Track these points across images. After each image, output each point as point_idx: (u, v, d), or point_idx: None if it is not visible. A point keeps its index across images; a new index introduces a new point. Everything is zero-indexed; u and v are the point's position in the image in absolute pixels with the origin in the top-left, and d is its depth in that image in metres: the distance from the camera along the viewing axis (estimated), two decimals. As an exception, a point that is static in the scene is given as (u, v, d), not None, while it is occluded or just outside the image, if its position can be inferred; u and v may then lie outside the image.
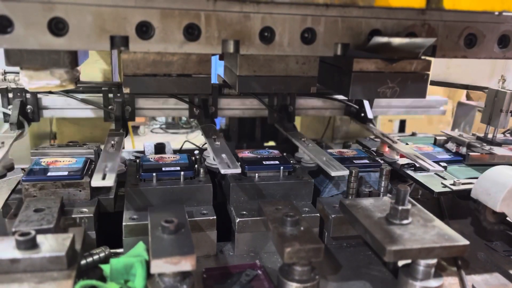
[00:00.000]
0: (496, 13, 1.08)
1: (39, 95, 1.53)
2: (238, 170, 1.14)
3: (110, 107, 1.53)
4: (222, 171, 1.13)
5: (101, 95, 1.54)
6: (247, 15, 0.98)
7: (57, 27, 0.90)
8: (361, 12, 1.04)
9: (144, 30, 0.95)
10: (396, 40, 1.05)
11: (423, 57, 1.17)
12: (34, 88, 1.05)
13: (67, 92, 1.54)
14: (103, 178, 1.02)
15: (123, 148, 1.38)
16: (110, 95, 1.53)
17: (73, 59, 1.02)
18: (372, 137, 1.95)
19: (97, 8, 0.90)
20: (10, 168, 1.36)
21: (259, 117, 1.82)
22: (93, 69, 1.88)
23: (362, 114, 1.80)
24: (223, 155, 1.22)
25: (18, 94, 1.48)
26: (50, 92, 1.53)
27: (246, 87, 1.20)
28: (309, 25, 1.03)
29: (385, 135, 1.66)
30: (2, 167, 1.30)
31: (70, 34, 0.90)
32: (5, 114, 1.46)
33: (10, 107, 1.47)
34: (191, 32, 0.97)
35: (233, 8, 0.97)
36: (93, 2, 0.89)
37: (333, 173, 1.19)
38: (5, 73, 1.55)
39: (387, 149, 1.64)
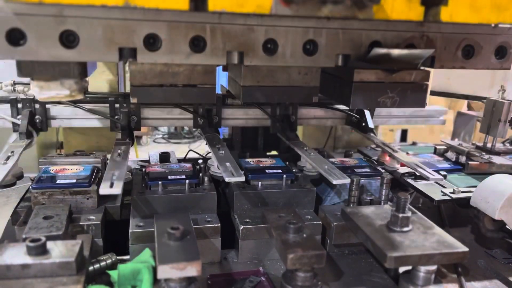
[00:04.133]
0: (492, 25, 1.11)
1: (47, 105, 1.56)
2: (242, 178, 1.16)
3: (116, 117, 1.56)
4: (226, 179, 1.16)
5: (107, 105, 1.57)
6: (251, 27, 1.01)
7: (68, 39, 0.93)
8: (362, 24, 1.07)
9: (152, 42, 0.98)
10: (396, 51, 1.08)
11: (422, 68, 1.20)
12: (45, 98, 1.08)
13: (74, 103, 1.57)
14: (111, 186, 1.05)
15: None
16: (116, 105, 1.56)
17: (82, 70, 1.05)
18: (373, 146, 1.98)
19: (107, 21, 0.93)
20: (20, 176, 1.39)
21: (262, 126, 1.84)
22: (99, 79, 1.92)
23: (363, 124, 1.82)
24: (227, 164, 1.24)
25: (27, 104, 1.51)
26: (58, 103, 1.56)
27: (249, 97, 1.22)
28: (311, 37, 1.06)
29: (385, 144, 1.68)
30: (12, 176, 1.32)
31: (80, 46, 0.93)
32: (14, 124, 1.49)
33: (19, 117, 1.50)
34: (197, 44, 1.00)
35: (237, 21, 1.00)
36: (103, 15, 0.93)
37: (334, 181, 1.21)
38: (14, 84, 1.58)
39: (387, 158, 1.66)
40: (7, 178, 1.21)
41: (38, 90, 1.08)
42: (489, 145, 1.73)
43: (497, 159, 1.61)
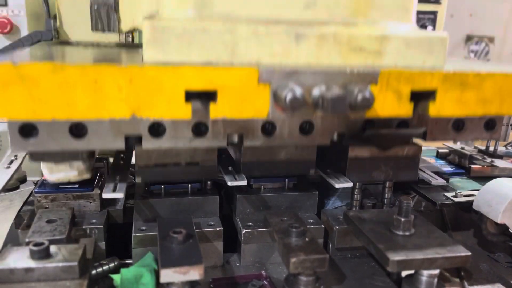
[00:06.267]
0: None
1: None
2: (244, 182, 1.17)
3: None
4: (229, 183, 1.17)
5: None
6: None
7: (78, 129, 0.95)
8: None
9: (156, 128, 1.01)
10: (388, 131, 1.12)
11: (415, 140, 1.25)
12: (55, 179, 1.15)
13: None
14: (114, 190, 1.07)
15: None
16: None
17: (90, 153, 1.09)
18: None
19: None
20: (23, 180, 1.40)
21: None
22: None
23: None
24: (229, 168, 1.25)
25: None
26: None
27: (249, 172, 1.25)
28: (307, 118, 1.09)
29: None
30: (15, 179, 1.33)
31: (89, 136, 0.96)
32: None
33: None
34: (199, 129, 1.03)
35: None
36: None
37: (336, 185, 1.21)
38: None
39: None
40: (10, 181, 1.23)
41: (48, 172, 1.14)
42: (491, 148, 1.73)
43: (499, 163, 1.61)
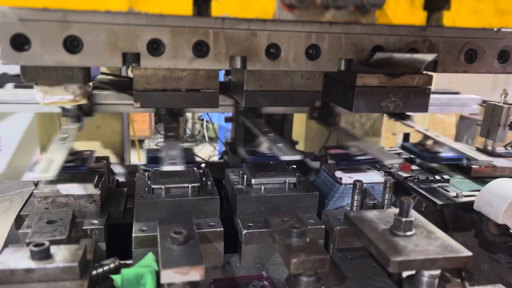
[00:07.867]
0: (495, 29, 1.11)
1: (94, 91, 1.51)
2: (298, 157, 1.15)
3: None
4: (282, 158, 1.15)
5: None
6: (254, 32, 1.01)
7: (72, 44, 0.93)
8: (364, 29, 1.07)
9: (155, 47, 0.98)
10: (398, 56, 1.08)
11: (425, 72, 1.20)
12: (49, 103, 1.09)
13: (120, 90, 1.55)
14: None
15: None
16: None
17: (86, 75, 1.06)
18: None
19: (111, 26, 0.94)
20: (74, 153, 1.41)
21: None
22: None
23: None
24: (280, 144, 1.24)
25: None
26: (104, 88, 1.55)
27: (252, 102, 1.22)
28: (314, 41, 1.06)
29: (428, 130, 1.68)
30: (68, 155, 1.32)
31: (84, 51, 0.94)
32: (63, 108, 1.50)
33: None
34: (200, 49, 1.00)
35: (240, 26, 1.00)
36: (106, 20, 0.93)
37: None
38: None
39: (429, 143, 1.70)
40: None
41: (42, 95, 1.09)
42: (489, 148, 1.72)
43: (498, 162, 1.61)
